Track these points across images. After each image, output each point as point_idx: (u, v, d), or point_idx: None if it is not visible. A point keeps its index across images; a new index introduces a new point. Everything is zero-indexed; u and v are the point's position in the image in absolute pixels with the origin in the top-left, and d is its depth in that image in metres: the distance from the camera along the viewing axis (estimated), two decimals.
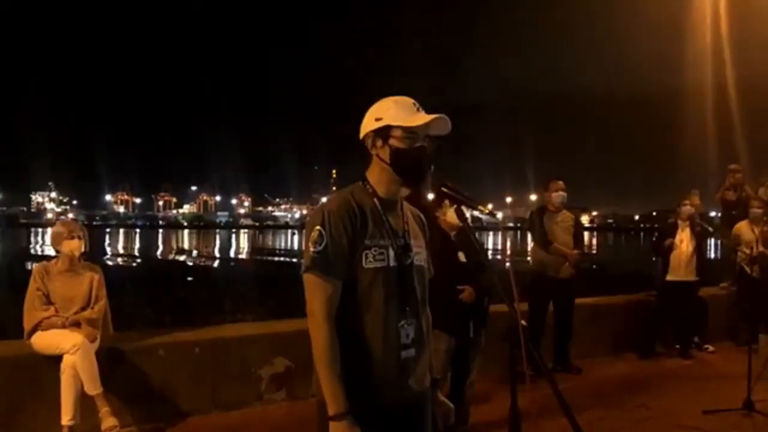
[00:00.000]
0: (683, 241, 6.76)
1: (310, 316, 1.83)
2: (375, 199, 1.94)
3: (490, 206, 2.12)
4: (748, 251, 6.73)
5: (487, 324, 4.21)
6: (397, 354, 1.89)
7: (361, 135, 1.97)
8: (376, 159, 1.94)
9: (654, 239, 7.39)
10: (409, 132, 1.90)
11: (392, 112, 1.91)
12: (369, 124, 1.94)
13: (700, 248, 6.80)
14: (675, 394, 5.45)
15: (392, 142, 1.91)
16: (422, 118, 1.90)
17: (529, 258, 6.65)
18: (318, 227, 1.84)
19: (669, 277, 6.79)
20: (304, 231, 1.90)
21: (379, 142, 1.92)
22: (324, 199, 2.05)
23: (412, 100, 1.95)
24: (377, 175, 1.95)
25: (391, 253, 1.90)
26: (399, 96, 1.96)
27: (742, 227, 7.33)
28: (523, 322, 1.81)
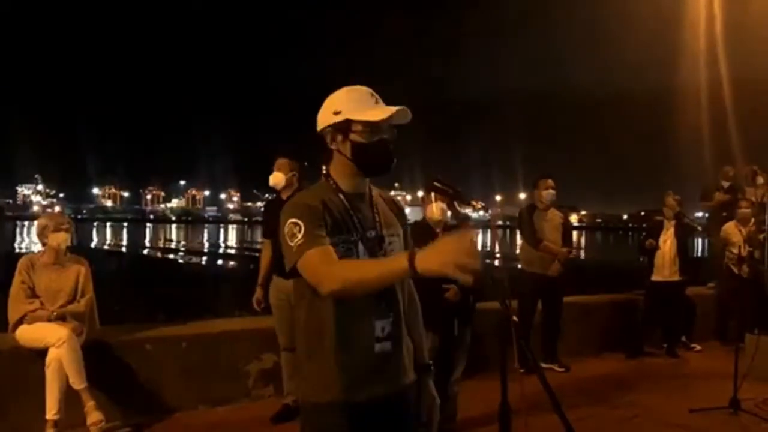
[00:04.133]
0: (666, 241, 6.79)
1: (320, 283, 1.71)
2: (340, 195, 1.89)
3: (481, 203, 2.10)
4: (735, 251, 6.78)
5: (472, 322, 4.21)
6: (372, 348, 1.86)
7: (318, 128, 1.92)
8: (337, 154, 1.89)
9: (641, 238, 7.43)
10: (370, 126, 1.85)
11: (351, 105, 1.85)
12: (326, 117, 1.88)
13: (683, 248, 6.85)
14: (662, 392, 5.48)
15: (353, 137, 1.85)
16: (383, 111, 1.84)
17: (518, 254, 6.68)
18: (291, 220, 1.78)
19: (654, 277, 6.83)
20: (280, 234, 1.84)
21: (339, 137, 1.87)
22: None
23: (369, 90, 1.90)
24: (340, 170, 1.91)
25: (361, 247, 1.86)
26: (355, 86, 1.91)
27: (730, 228, 7.39)
28: (515, 318, 1.80)
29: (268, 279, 4.66)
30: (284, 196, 4.62)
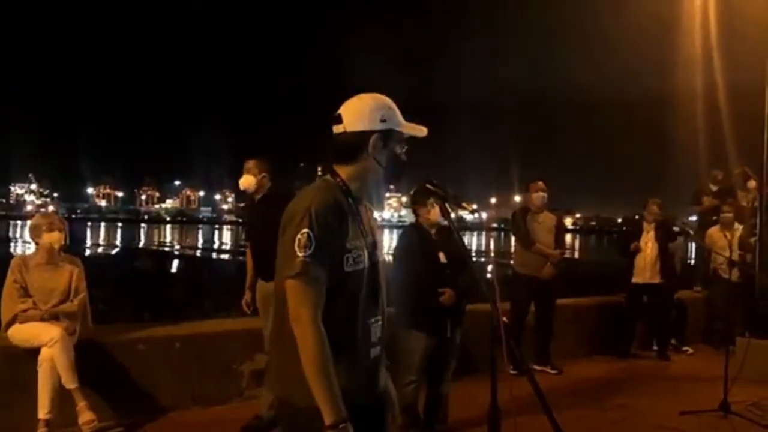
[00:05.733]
0: (648, 243, 6.90)
1: (297, 323, 1.74)
2: (349, 198, 1.89)
3: (474, 206, 2.12)
4: (727, 255, 6.82)
5: (463, 324, 4.23)
6: (368, 353, 1.89)
7: (356, 129, 1.88)
8: (370, 159, 1.89)
9: (621, 241, 7.53)
10: (403, 139, 1.96)
11: (394, 117, 1.92)
12: (372, 123, 1.88)
13: (665, 251, 6.94)
14: (653, 394, 5.51)
15: (392, 146, 1.92)
16: (419, 129, 1.98)
17: (512, 256, 6.72)
18: (306, 230, 1.74)
19: (635, 279, 6.94)
20: (285, 231, 1.80)
21: (380, 144, 1.90)
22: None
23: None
24: (358, 173, 1.91)
25: (366, 253, 1.87)
26: (383, 96, 1.96)
27: (714, 233, 7.48)
28: (505, 319, 1.82)
29: (256, 281, 4.61)
30: (256, 198, 4.52)
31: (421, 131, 1.99)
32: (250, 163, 4.50)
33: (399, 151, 1.95)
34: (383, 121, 1.89)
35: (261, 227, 4.43)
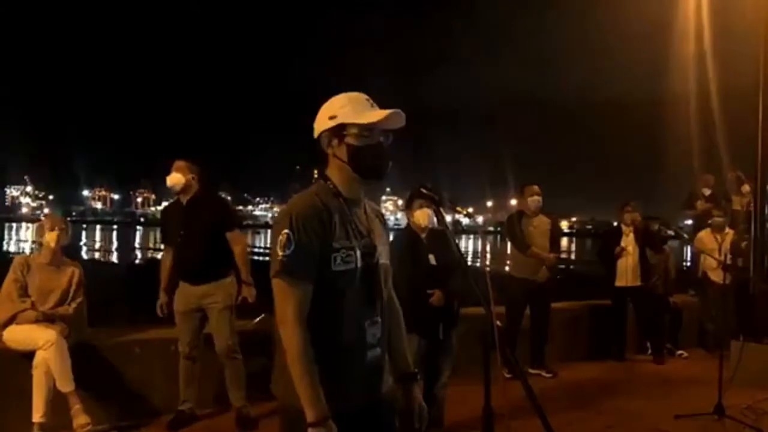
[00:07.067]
0: (628, 246, 6.96)
1: (282, 323, 1.78)
2: (340, 199, 1.90)
3: (470, 209, 2.12)
4: (721, 258, 6.85)
5: (457, 326, 4.24)
6: (364, 355, 1.89)
7: (316, 134, 1.94)
8: (333, 158, 1.91)
9: (600, 245, 7.55)
10: (365, 129, 1.86)
11: (346, 110, 1.87)
12: (323, 123, 1.91)
13: (644, 254, 6.98)
14: (648, 398, 5.52)
15: (348, 140, 1.87)
16: (377, 114, 1.86)
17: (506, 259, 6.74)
18: (286, 231, 1.79)
19: (618, 283, 6.98)
20: (272, 236, 1.86)
21: (335, 141, 1.89)
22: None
23: (365, 96, 1.92)
24: (337, 174, 1.92)
25: (358, 254, 1.87)
26: (351, 92, 1.92)
27: (704, 236, 7.52)
28: (498, 323, 1.83)
29: (172, 285, 4.53)
30: (184, 200, 4.48)
31: (374, 117, 1.84)
32: (180, 163, 4.46)
33: (360, 143, 1.85)
34: (332, 118, 1.88)
35: (188, 229, 4.43)
